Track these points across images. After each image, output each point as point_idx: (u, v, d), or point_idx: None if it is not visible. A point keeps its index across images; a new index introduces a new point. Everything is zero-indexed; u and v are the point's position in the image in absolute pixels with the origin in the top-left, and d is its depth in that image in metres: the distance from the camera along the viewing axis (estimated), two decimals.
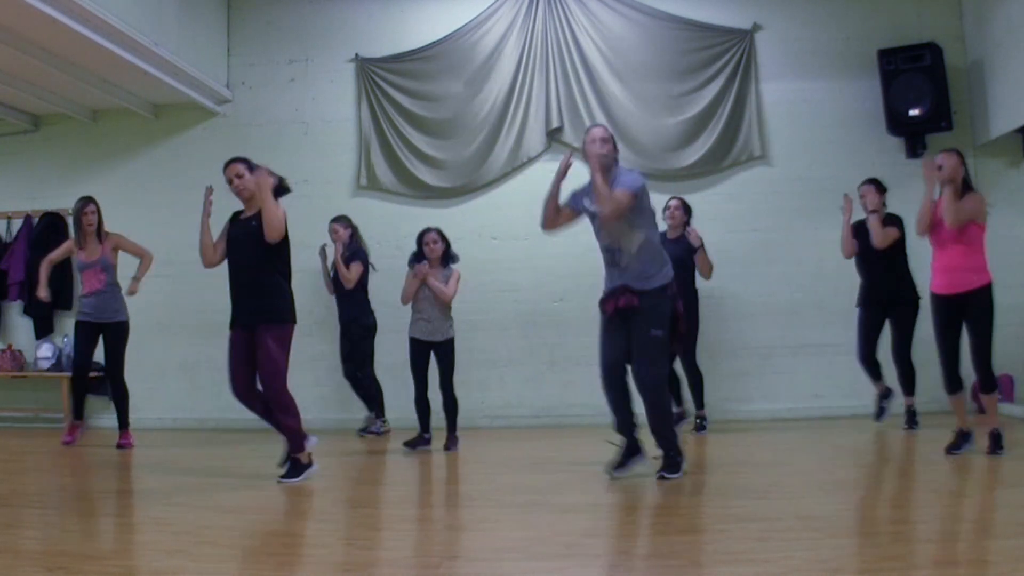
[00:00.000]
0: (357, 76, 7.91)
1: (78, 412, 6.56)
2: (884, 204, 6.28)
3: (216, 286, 7.49)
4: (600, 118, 7.67)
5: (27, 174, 8.15)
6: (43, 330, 7.92)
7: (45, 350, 7.82)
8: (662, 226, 6.76)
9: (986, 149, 7.35)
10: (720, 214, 7.53)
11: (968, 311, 4.99)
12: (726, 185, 7.63)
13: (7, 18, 5.66)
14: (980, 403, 7.18)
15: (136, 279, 6.54)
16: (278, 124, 7.98)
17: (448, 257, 6.25)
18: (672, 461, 4.65)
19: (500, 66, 7.77)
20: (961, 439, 5.03)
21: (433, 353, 6.11)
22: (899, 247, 6.20)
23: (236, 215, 5.01)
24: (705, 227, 7.55)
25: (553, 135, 7.70)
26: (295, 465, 4.89)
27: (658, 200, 7.61)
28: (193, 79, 7.37)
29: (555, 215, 4.86)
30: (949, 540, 3.20)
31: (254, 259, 4.83)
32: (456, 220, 7.66)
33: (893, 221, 6.23)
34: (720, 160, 7.61)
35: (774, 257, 7.40)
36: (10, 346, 8.00)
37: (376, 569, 3.14)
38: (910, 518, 3.57)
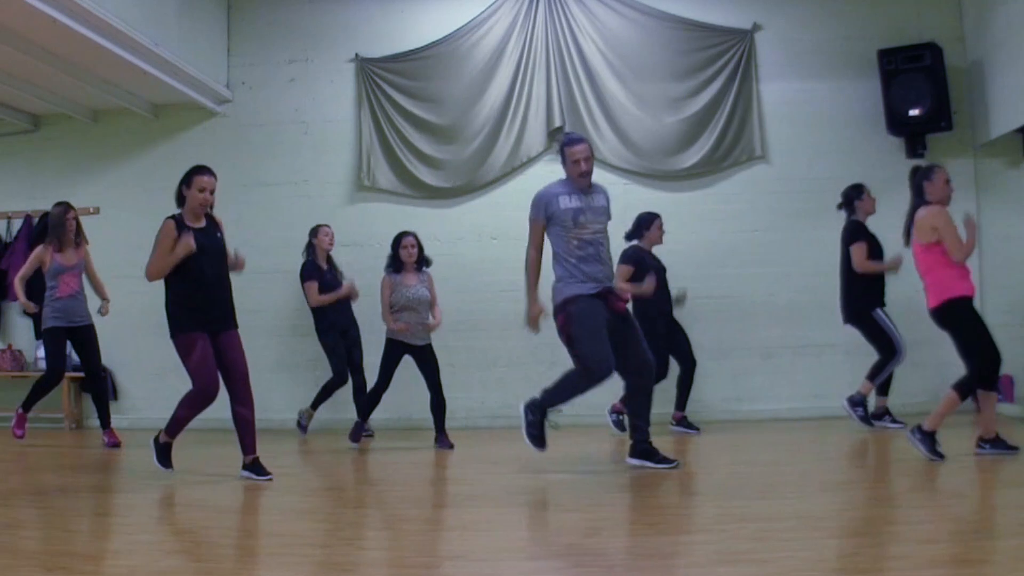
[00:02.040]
0: (357, 76, 7.91)
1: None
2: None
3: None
4: (600, 118, 7.68)
5: (27, 174, 8.15)
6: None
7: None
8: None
9: (986, 149, 7.35)
10: (720, 214, 7.53)
11: None
12: (726, 185, 7.63)
13: (7, 18, 5.66)
14: (979, 403, 7.22)
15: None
16: (278, 124, 7.98)
17: (423, 261, 6.42)
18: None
19: (500, 66, 7.76)
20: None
21: (413, 357, 6.28)
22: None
23: (181, 224, 4.81)
24: (705, 227, 7.57)
25: (554, 135, 7.70)
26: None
27: (654, 202, 7.69)
28: (193, 79, 7.37)
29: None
30: (949, 540, 3.20)
31: (223, 269, 4.93)
32: (456, 220, 7.67)
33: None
34: (720, 160, 7.61)
35: (774, 257, 7.40)
36: (10, 346, 8.01)
37: (376, 569, 3.13)
38: (910, 518, 3.57)
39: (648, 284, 6.25)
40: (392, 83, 7.85)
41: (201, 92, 7.66)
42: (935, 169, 5.06)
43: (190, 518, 4.07)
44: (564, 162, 5.03)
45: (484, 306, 7.47)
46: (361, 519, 4.09)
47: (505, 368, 7.57)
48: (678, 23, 7.66)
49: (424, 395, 6.27)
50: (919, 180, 5.05)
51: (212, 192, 4.83)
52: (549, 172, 7.73)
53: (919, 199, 5.03)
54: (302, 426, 7.05)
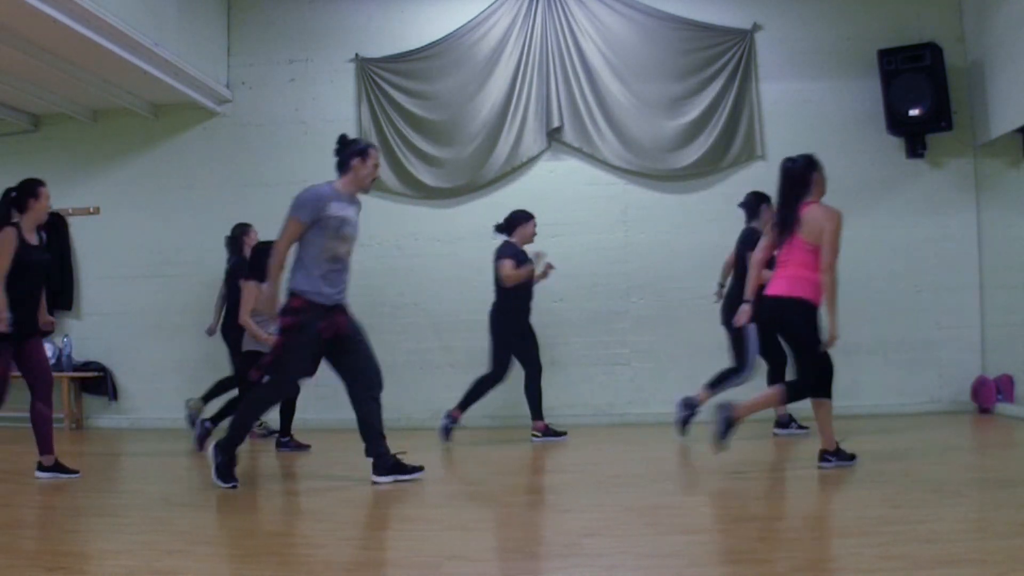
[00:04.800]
0: (357, 76, 7.91)
1: None
2: None
3: (213, 287, 7.54)
4: (600, 118, 7.68)
5: (27, 174, 8.04)
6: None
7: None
8: None
9: (986, 149, 7.35)
10: (720, 214, 7.52)
11: None
12: (726, 185, 7.63)
13: (7, 18, 5.66)
14: (980, 403, 7.22)
15: None
16: (278, 124, 7.98)
17: None
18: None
19: (500, 66, 7.77)
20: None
21: None
22: None
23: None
24: (705, 227, 7.57)
25: (553, 135, 7.70)
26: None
27: (653, 201, 7.70)
28: (193, 79, 7.38)
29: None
30: (949, 540, 3.20)
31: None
32: (456, 220, 7.68)
33: None
34: (720, 160, 7.62)
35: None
36: None
37: (376, 569, 3.13)
38: (910, 518, 3.57)
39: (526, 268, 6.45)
40: (392, 83, 7.85)
41: (201, 92, 7.67)
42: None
43: (190, 518, 4.06)
44: (356, 165, 4.97)
45: (485, 306, 7.43)
46: (361, 519, 4.09)
47: None
48: (678, 23, 7.66)
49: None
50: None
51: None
52: (549, 172, 7.78)
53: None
54: (192, 419, 6.79)
